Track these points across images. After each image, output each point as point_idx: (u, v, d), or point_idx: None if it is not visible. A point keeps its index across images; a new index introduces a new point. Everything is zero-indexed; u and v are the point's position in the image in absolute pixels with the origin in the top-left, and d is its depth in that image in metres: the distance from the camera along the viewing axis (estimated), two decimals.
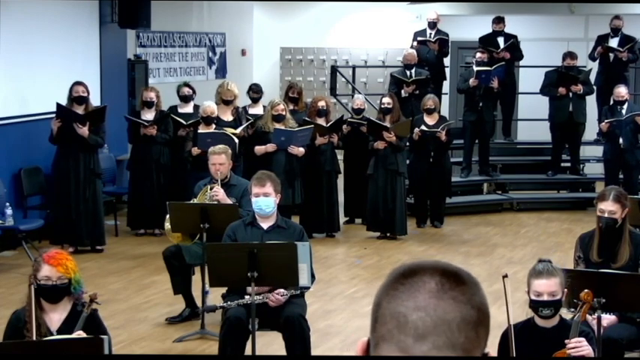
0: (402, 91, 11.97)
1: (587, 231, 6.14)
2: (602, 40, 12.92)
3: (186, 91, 11.26)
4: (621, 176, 11.75)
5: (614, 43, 12.83)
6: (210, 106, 10.17)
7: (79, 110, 9.80)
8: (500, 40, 12.98)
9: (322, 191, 10.79)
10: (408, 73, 12.31)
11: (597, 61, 12.98)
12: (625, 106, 11.52)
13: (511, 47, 12.92)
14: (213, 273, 5.97)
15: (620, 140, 11.52)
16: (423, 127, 11.07)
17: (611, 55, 12.77)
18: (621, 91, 11.54)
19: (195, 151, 9.90)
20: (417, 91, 12.09)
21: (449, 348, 1.50)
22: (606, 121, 11.49)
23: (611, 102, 11.86)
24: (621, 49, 12.66)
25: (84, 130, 9.68)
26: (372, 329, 1.58)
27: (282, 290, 6.01)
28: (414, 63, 12.39)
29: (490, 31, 13.15)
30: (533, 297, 4.72)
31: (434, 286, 1.54)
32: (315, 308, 7.50)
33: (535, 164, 13.59)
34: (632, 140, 11.57)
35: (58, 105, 9.70)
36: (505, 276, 4.89)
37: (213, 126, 10.14)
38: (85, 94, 9.86)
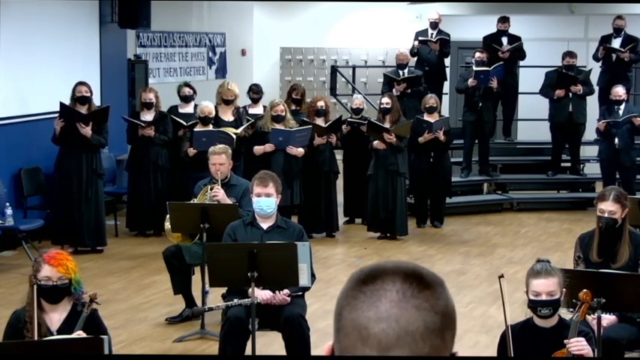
0: (394, 90, 11.99)
1: (587, 231, 6.14)
2: (605, 40, 12.92)
3: (186, 91, 11.26)
4: (618, 176, 11.77)
5: (616, 43, 12.82)
6: (207, 106, 10.16)
7: (82, 110, 9.79)
8: (504, 40, 13.01)
9: (321, 191, 10.79)
10: (400, 72, 12.34)
11: (600, 61, 12.99)
12: (622, 106, 11.53)
13: (516, 49, 12.94)
14: (213, 273, 5.97)
15: (616, 140, 11.52)
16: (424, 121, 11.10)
17: (614, 56, 12.77)
18: (619, 90, 11.55)
19: (192, 151, 9.90)
20: (409, 90, 12.14)
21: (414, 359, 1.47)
22: (603, 121, 11.50)
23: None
24: (623, 50, 12.66)
25: (87, 130, 9.68)
26: (336, 339, 1.54)
27: (286, 291, 6.03)
28: (407, 62, 12.44)
29: (490, 30, 13.17)
30: (531, 297, 4.73)
31: (395, 295, 1.49)
32: (315, 308, 7.50)
33: (535, 164, 13.59)
34: (628, 141, 11.58)
35: (62, 104, 9.70)
36: (501, 276, 4.89)
37: (210, 126, 10.13)
38: (88, 94, 9.86)
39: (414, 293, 1.50)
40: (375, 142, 10.61)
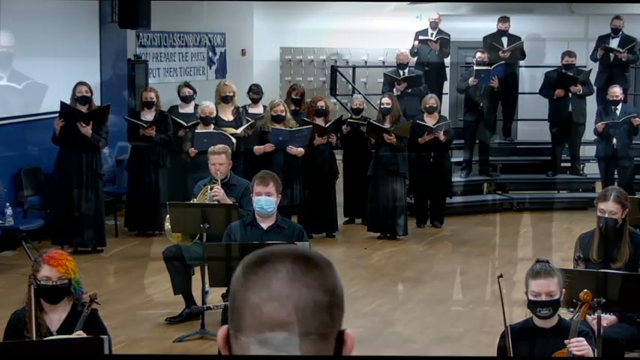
0: (394, 90, 12.00)
1: (587, 231, 6.14)
2: (602, 40, 12.92)
3: (187, 91, 11.26)
4: (616, 176, 11.78)
5: (614, 43, 12.82)
6: (208, 106, 10.16)
7: (82, 110, 9.79)
8: (504, 40, 13.01)
9: (320, 192, 10.79)
10: (400, 72, 12.35)
11: (598, 61, 12.99)
12: (619, 106, 11.53)
13: (516, 48, 12.95)
14: (213, 273, 5.97)
15: (614, 140, 11.52)
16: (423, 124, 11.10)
17: (612, 56, 12.78)
18: (616, 90, 11.55)
19: (193, 151, 9.90)
20: (409, 90, 12.14)
21: (304, 335, 1.55)
22: (602, 122, 11.50)
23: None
24: (621, 50, 12.66)
25: (87, 130, 9.67)
26: (230, 320, 1.61)
27: None
28: (407, 62, 12.45)
29: (490, 30, 13.17)
30: (531, 297, 4.72)
31: (285, 275, 1.57)
32: None
33: (535, 164, 13.58)
34: (626, 141, 11.59)
35: (62, 103, 9.70)
36: (500, 276, 4.89)
37: (212, 126, 10.13)
38: (89, 94, 9.86)
39: (304, 272, 1.58)
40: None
